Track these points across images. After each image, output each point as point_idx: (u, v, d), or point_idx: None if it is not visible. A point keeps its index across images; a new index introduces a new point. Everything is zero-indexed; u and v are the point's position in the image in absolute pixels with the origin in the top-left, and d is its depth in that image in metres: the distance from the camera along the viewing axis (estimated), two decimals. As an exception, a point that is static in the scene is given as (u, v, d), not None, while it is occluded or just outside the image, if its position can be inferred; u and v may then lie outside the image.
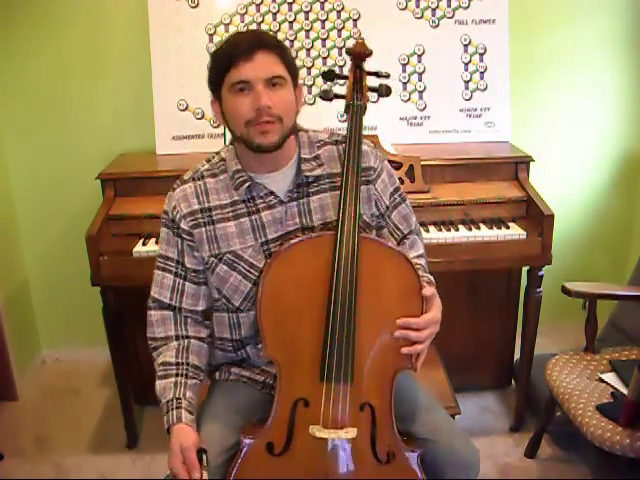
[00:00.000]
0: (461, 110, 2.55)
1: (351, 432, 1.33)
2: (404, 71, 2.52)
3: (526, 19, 2.62)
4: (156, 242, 2.16)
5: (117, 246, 2.17)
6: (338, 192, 1.40)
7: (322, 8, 2.50)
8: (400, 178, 2.26)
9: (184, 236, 1.46)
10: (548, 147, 2.76)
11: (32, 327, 2.96)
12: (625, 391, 1.82)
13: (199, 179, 1.47)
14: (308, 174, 1.44)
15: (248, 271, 1.45)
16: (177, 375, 1.43)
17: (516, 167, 2.35)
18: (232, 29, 2.48)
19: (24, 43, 2.58)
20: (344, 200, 1.36)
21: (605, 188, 2.88)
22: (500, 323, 2.56)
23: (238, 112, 1.34)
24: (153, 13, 2.45)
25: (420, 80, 2.53)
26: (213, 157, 1.50)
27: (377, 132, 2.42)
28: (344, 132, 1.46)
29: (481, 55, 2.53)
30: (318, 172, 1.45)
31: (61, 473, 2.32)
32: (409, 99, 2.54)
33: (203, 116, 2.50)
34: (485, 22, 2.51)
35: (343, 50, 2.51)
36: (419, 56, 2.52)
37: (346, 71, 1.52)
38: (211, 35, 2.48)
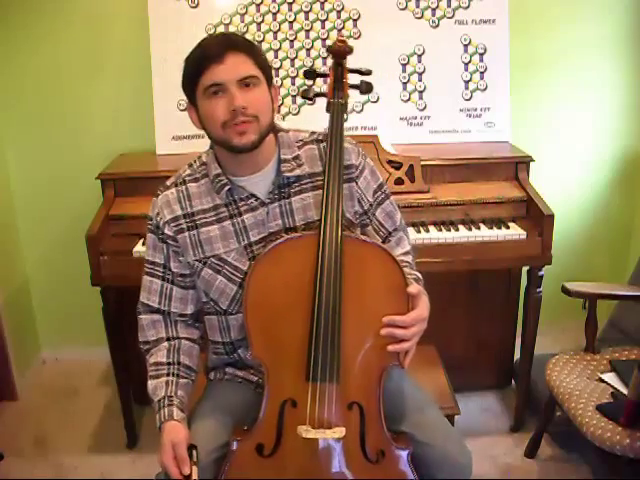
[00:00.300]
0: (461, 110, 2.55)
1: (339, 432, 1.32)
2: (404, 71, 2.52)
3: (526, 19, 2.62)
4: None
5: (117, 246, 2.17)
6: (320, 192, 1.41)
7: (322, 8, 2.50)
8: (400, 178, 2.27)
9: (169, 242, 1.46)
10: (548, 147, 2.76)
11: (32, 327, 2.96)
12: (625, 391, 1.82)
13: (181, 184, 1.47)
14: (288, 174, 1.44)
15: (233, 274, 1.46)
16: (169, 374, 1.44)
17: (516, 167, 2.35)
18: (232, 29, 2.48)
19: (24, 43, 2.58)
20: (326, 199, 1.36)
21: (605, 188, 2.88)
22: (500, 323, 2.56)
23: (214, 115, 1.34)
24: (153, 13, 2.45)
25: (420, 80, 2.53)
26: (195, 161, 1.51)
27: (377, 132, 2.42)
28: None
29: (481, 55, 2.53)
30: (298, 172, 1.45)
31: (61, 473, 2.32)
32: (409, 99, 2.54)
33: (203, 116, 2.50)
34: (485, 22, 2.52)
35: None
36: (419, 56, 2.52)
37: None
38: (211, 35, 2.48)
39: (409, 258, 1.57)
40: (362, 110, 2.50)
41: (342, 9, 2.50)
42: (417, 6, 2.50)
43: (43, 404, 2.72)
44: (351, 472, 1.36)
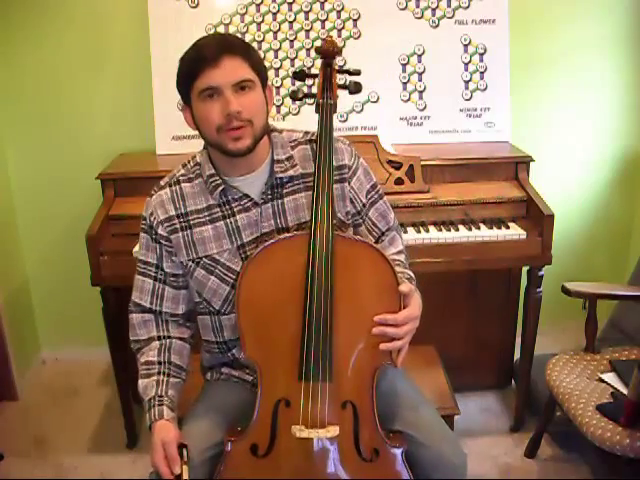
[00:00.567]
0: (461, 110, 2.55)
1: (333, 431, 1.33)
2: (404, 71, 2.52)
3: (526, 19, 2.62)
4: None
5: (117, 246, 2.17)
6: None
7: (322, 8, 2.50)
8: (400, 178, 2.27)
9: (162, 242, 1.47)
10: (548, 147, 2.76)
11: (32, 327, 2.96)
12: (625, 391, 1.82)
13: (175, 184, 1.47)
14: (281, 175, 1.44)
15: (225, 274, 1.46)
16: (159, 373, 1.44)
17: (516, 167, 2.35)
18: (232, 29, 2.48)
19: (24, 43, 2.58)
20: (317, 200, 1.36)
21: (605, 188, 2.88)
22: (500, 323, 2.56)
23: (208, 119, 1.34)
24: (153, 13, 2.45)
25: (420, 80, 2.53)
26: (189, 162, 1.51)
27: (377, 132, 2.42)
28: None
29: (481, 55, 2.53)
30: (291, 173, 1.45)
31: (61, 473, 2.32)
32: (409, 99, 2.54)
33: (203, 116, 2.50)
34: (485, 22, 2.52)
35: (343, 50, 2.49)
36: (419, 56, 2.52)
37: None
38: (211, 35, 2.48)
39: (402, 257, 1.57)
40: (362, 110, 2.51)
41: (342, 9, 2.50)
42: (417, 6, 2.50)
43: (43, 404, 2.72)
44: (346, 471, 1.36)
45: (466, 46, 2.52)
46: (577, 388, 1.91)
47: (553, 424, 2.23)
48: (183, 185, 1.47)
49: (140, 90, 2.54)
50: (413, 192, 2.25)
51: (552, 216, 2.17)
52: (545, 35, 2.66)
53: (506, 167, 2.36)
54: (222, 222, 1.45)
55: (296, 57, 2.51)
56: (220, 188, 1.43)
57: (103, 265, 2.12)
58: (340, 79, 1.48)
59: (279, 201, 1.46)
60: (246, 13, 2.49)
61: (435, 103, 2.54)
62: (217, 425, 1.44)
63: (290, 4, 2.49)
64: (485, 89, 2.54)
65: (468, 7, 2.51)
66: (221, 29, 2.48)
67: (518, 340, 2.44)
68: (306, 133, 1.52)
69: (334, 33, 2.51)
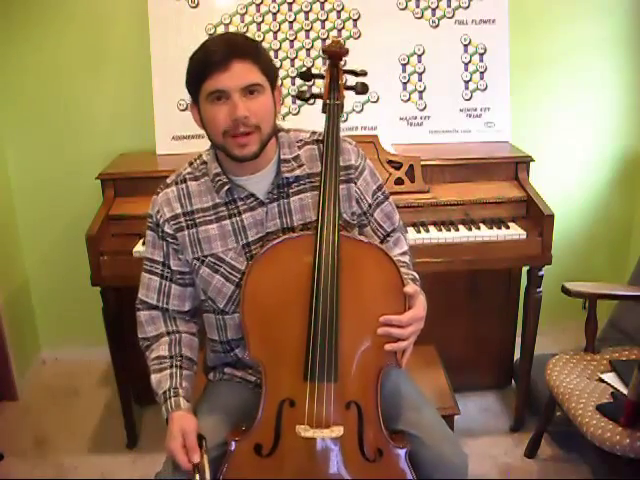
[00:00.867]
0: (461, 110, 2.55)
1: (337, 431, 1.33)
2: (404, 71, 2.52)
3: (526, 19, 2.62)
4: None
5: (117, 246, 2.17)
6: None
7: (322, 8, 2.50)
8: (400, 178, 2.27)
9: (168, 239, 1.47)
10: (548, 147, 2.77)
11: (32, 327, 2.96)
12: (625, 391, 1.82)
13: (181, 182, 1.47)
14: (287, 175, 1.45)
15: (230, 273, 1.46)
16: (172, 367, 1.45)
17: (516, 167, 2.35)
18: (232, 29, 2.48)
19: (24, 43, 2.58)
20: (323, 200, 1.36)
21: (605, 188, 2.88)
22: (500, 323, 2.56)
23: (215, 122, 1.34)
24: (153, 13, 2.45)
25: (420, 80, 2.53)
26: (195, 160, 1.51)
27: (377, 132, 2.42)
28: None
29: (481, 55, 2.53)
30: (297, 172, 1.46)
31: (61, 473, 2.32)
32: (409, 99, 2.54)
33: (203, 116, 2.50)
34: (485, 22, 2.52)
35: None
36: (419, 56, 2.52)
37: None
38: (211, 35, 2.48)
39: (406, 258, 1.57)
40: (362, 110, 2.50)
41: (342, 9, 2.50)
42: (417, 6, 2.50)
43: (43, 404, 2.72)
44: (349, 471, 1.36)
45: (466, 46, 2.52)
46: (577, 388, 1.91)
47: (553, 424, 2.23)
48: (189, 183, 1.47)
49: (140, 90, 2.54)
50: (413, 192, 2.25)
51: (552, 216, 2.17)
52: (545, 35, 2.66)
53: (506, 167, 2.36)
54: (228, 221, 1.45)
55: (296, 57, 2.51)
56: (226, 187, 1.43)
57: (103, 265, 2.12)
58: (347, 80, 1.47)
59: (285, 200, 1.46)
60: (246, 13, 2.49)
61: (435, 103, 2.54)
62: (221, 425, 1.44)
63: (290, 4, 2.49)
64: (485, 89, 2.54)
65: (468, 7, 2.51)
66: (221, 29, 2.48)
67: (518, 340, 2.44)
68: (313, 133, 1.52)
69: (334, 33, 2.51)
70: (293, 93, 2.49)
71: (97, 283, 2.16)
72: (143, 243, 2.16)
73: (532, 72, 2.69)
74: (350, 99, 2.44)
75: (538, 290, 2.26)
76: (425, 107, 2.55)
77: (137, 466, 2.33)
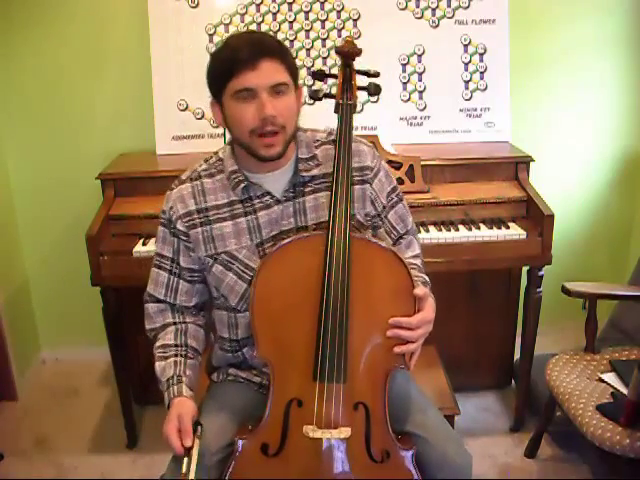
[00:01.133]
0: (461, 110, 2.55)
1: (345, 432, 1.33)
2: (404, 71, 2.52)
3: (526, 19, 2.62)
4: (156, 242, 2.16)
5: (117, 246, 2.17)
6: None
7: (322, 8, 2.50)
8: (400, 178, 2.27)
9: (180, 237, 1.47)
10: (548, 147, 2.76)
11: (32, 327, 2.96)
12: (625, 391, 1.82)
13: (196, 179, 1.47)
14: (305, 174, 1.45)
15: (243, 272, 1.46)
16: (177, 355, 1.45)
17: (516, 167, 2.35)
18: (232, 29, 2.48)
19: (24, 43, 2.58)
20: (334, 200, 1.36)
21: (605, 188, 2.88)
22: (500, 323, 2.56)
23: (242, 120, 1.34)
24: (153, 13, 2.45)
25: (420, 80, 2.53)
26: (211, 157, 1.51)
27: (377, 132, 2.42)
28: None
29: (481, 55, 2.53)
30: (315, 172, 1.46)
31: (61, 473, 2.32)
32: (409, 99, 2.54)
33: (203, 116, 2.50)
34: (485, 22, 2.52)
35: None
36: (419, 56, 2.52)
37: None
38: (211, 35, 2.48)
39: (418, 261, 1.57)
40: (362, 110, 2.50)
41: (342, 9, 2.50)
42: (417, 6, 2.50)
43: (43, 404, 2.72)
44: (356, 472, 1.36)
45: (466, 46, 2.52)
46: (577, 388, 1.91)
47: (553, 424, 2.23)
48: (204, 180, 1.47)
49: (140, 90, 2.54)
50: (413, 192, 2.25)
51: (552, 216, 2.17)
52: (545, 35, 2.66)
53: (506, 167, 2.36)
54: (243, 219, 1.45)
55: (296, 57, 2.51)
56: (243, 184, 1.43)
57: (103, 265, 2.12)
58: (360, 81, 1.47)
59: (300, 199, 1.46)
60: (246, 13, 2.49)
61: (435, 103, 2.54)
62: (228, 426, 1.43)
63: (290, 4, 2.49)
64: (485, 89, 2.54)
65: (468, 7, 2.51)
66: (221, 29, 2.48)
67: (518, 340, 2.44)
68: (329, 133, 1.52)
69: (334, 33, 2.51)
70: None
71: (97, 283, 2.16)
72: (143, 243, 2.16)
73: (532, 72, 2.68)
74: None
75: (538, 290, 2.26)
76: (425, 107, 2.55)
77: (137, 466, 2.33)
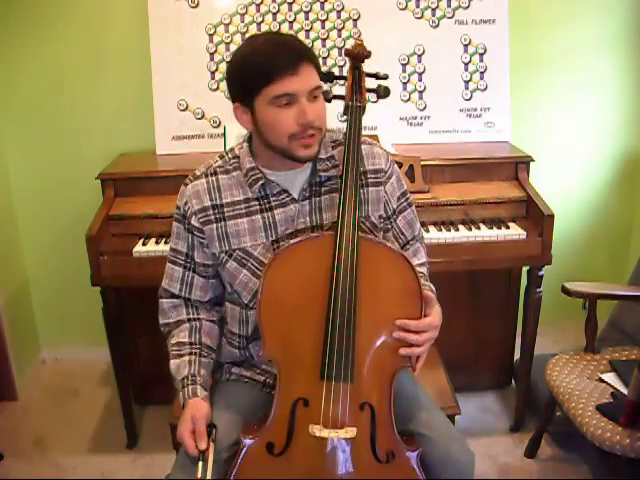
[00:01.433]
0: (461, 110, 2.55)
1: (351, 432, 1.32)
2: (404, 71, 2.52)
3: (526, 19, 2.62)
4: (156, 242, 2.17)
5: (117, 246, 2.17)
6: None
7: (322, 8, 2.50)
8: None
9: (195, 232, 1.47)
10: (548, 147, 2.77)
11: (32, 327, 2.96)
12: (625, 391, 1.82)
13: (212, 175, 1.47)
14: (323, 174, 1.46)
15: (257, 269, 1.46)
16: (191, 354, 1.46)
17: (516, 167, 2.35)
18: (232, 29, 2.48)
19: (24, 43, 2.58)
20: (343, 201, 1.37)
21: (605, 188, 2.88)
22: (500, 323, 2.56)
23: (282, 126, 1.33)
24: (153, 13, 2.45)
25: (420, 80, 2.53)
26: (227, 153, 1.51)
27: (377, 132, 2.42)
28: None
29: (481, 55, 2.53)
30: (333, 172, 1.47)
31: (61, 473, 2.32)
32: (409, 99, 2.55)
33: (203, 116, 2.50)
34: (485, 22, 2.52)
35: (343, 50, 2.51)
36: (419, 56, 2.52)
37: (346, 72, 1.52)
38: (211, 35, 2.48)
39: (424, 269, 1.59)
40: (362, 110, 2.50)
41: (342, 9, 2.50)
42: (417, 6, 2.50)
43: (43, 404, 2.72)
44: (361, 472, 1.36)
45: (466, 46, 2.52)
46: (577, 388, 1.91)
47: (553, 424, 2.23)
48: (220, 176, 1.47)
49: (140, 90, 2.54)
50: (413, 192, 2.23)
51: (552, 216, 2.17)
52: (545, 35, 2.66)
53: (506, 167, 2.36)
54: (259, 215, 1.45)
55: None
56: (260, 182, 1.43)
57: (103, 265, 2.12)
58: (370, 83, 1.47)
59: (317, 199, 1.47)
60: (246, 13, 2.49)
61: (435, 103, 2.54)
62: (233, 425, 1.43)
63: (290, 4, 2.49)
64: (485, 89, 2.54)
65: (468, 7, 2.51)
66: (221, 29, 2.48)
67: (518, 340, 2.44)
68: (345, 136, 1.52)
69: (334, 33, 2.51)
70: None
71: (97, 283, 2.16)
72: (143, 243, 2.16)
73: (532, 72, 2.69)
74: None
75: (538, 290, 2.26)
76: (425, 107, 2.55)
77: (137, 466, 2.33)
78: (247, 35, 2.47)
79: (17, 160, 2.73)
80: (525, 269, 2.33)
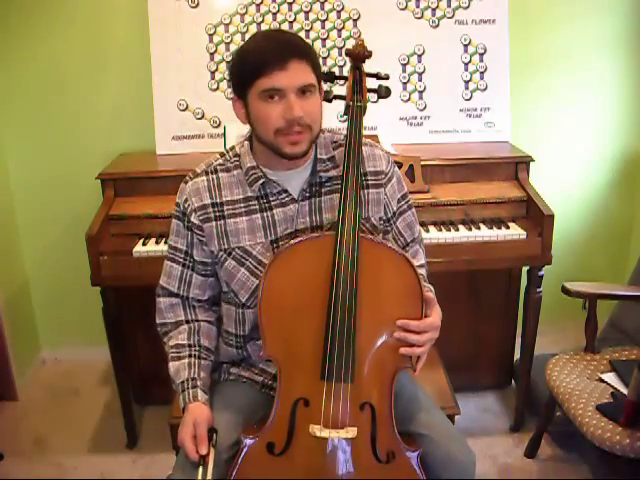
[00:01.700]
0: (461, 110, 2.55)
1: (351, 432, 1.33)
2: (404, 71, 2.52)
3: (526, 19, 2.62)
4: (156, 242, 2.16)
5: (117, 246, 2.17)
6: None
7: (322, 8, 2.50)
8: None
9: (194, 230, 1.47)
10: (548, 147, 2.77)
11: (32, 327, 2.96)
12: (625, 391, 1.82)
13: (212, 173, 1.47)
14: (323, 175, 1.46)
15: (256, 268, 1.46)
16: (190, 356, 1.46)
17: (516, 167, 2.35)
18: (232, 29, 2.48)
19: (24, 43, 2.58)
20: (344, 201, 1.37)
21: (605, 188, 2.88)
22: (500, 323, 2.56)
23: (268, 120, 1.34)
24: (153, 13, 2.45)
25: (420, 80, 2.53)
26: (227, 152, 1.51)
27: (377, 132, 2.42)
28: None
29: (481, 55, 2.53)
30: (334, 173, 1.47)
31: (61, 473, 2.32)
32: (409, 99, 2.54)
33: (203, 116, 2.50)
34: (485, 22, 2.52)
35: (343, 50, 2.51)
36: (419, 56, 2.52)
37: (346, 72, 1.52)
38: (211, 35, 2.48)
39: (423, 271, 1.59)
40: (362, 110, 2.50)
41: (342, 9, 2.50)
42: (417, 6, 2.50)
43: (43, 404, 2.72)
44: (361, 472, 1.36)
45: (466, 46, 2.52)
46: (577, 388, 1.91)
47: (553, 424, 2.23)
48: (220, 175, 1.47)
49: (140, 90, 2.54)
50: (413, 192, 2.25)
51: (552, 216, 2.17)
52: (545, 35, 2.66)
53: (506, 167, 2.36)
54: (259, 215, 1.45)
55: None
56: (260, 181, 1.43)
57: (103, 265, 2.12)
58: (371, 83, 1.47)
59: (317, 199, 1.47)
60: (246, 13, 2.49)
61: (435, 103, 2.54)
62: (233, 425, 1.43)
63: (290, 4, 2.49)
64: (485, 89, 2.54)
65: (468, 7, 2.51)
66: (221, 29, 2.48)
67: (518, 340, 2.44)
68: (346, 136, 1.52)
69: (334, 33, 2.51)
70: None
71: (97, 283, 2.16)
72: (143, 243, 2.16)
73: (532, 72, 2.69)
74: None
75: (538, 290, 2.26)
76: (425, 107, 2.55)
77: (137, 466, 2.33)
78: (247, 35, 2.48)
79: (17, 160, 2.73)
80: (525, 269, 2.33)
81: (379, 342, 1.36)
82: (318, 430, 1.32)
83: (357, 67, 1.47)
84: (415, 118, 2.55)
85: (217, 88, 2.49)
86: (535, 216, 2.23)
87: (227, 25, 2.49)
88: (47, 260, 2.86)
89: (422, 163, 2.28)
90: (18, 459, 2.37)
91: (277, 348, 1.37)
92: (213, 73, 2.48)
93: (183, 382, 1.43)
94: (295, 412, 1.35)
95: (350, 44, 2.47)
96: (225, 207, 1.45)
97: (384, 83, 1.48)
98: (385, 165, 1.52)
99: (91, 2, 2.57)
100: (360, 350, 1.34)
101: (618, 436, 1.69)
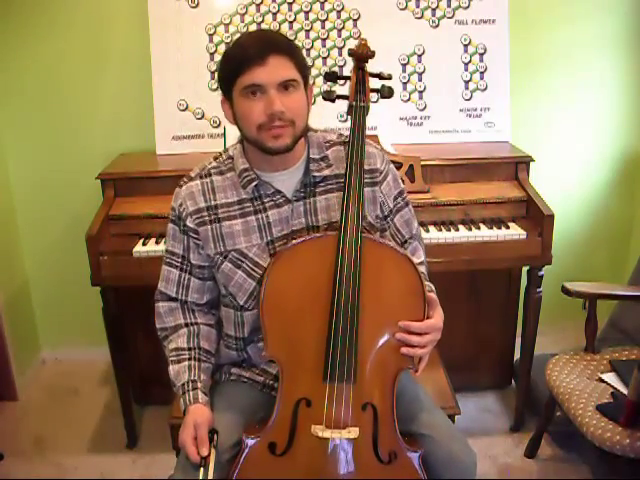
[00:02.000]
0: (461, 110, 2.55)
1: (353, 432, 1.33)
2: (404, 71, 2.52)
3: (526, 19, 2.62)
4: (156, 242, 2.16)
5: (117, 246, 2.17)
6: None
7: (322, 8, 2.50)
8: (400, 178, 2.26)
9: (190, 234, 1.47)
10: (548, 147, 2.77)
11: (32, 327, 2.96)
12: (625, 391, 1.82)
13: (206, 176, 1.47)
14: (316, 174, 1.45)
15: (252, 269, 1.46)
16: (190, 359, 1.46)
17: (516, 167, 2.35)
18: (232, 29, 2.48)
19: (24, 43, 2.58)
20: (347, 201, 1.37)
21: (605, 188, 2.88)
22: (500, 323, 2.56)
23: (250, 116, 1.34)
24: (153, 13, 2.45)
25: (420, 80, 2.53)
26: (221, 154, 1.51)
27: (377, 132, 2.42)
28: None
29: (481, 55, 2.53)
30: (327, 172, 1.46)
31: (61, 473, 2.32)
32: (409, 99, 2.54)
33: (203, 116, 2.50)
34: (485, 22, 2.52)
35: (343, 50, 2.51)
36: (419, 56, 2.52)
37: (347, 71, 1.52)
38: (211, 35, 2.48)
39: (422, 268, 1.58)
40: (362, 110, 2.50)
41: (342, 9, 2.50)
42: (417, 6, 2.50)
43: (43, 404, 2.72)
44: (363, 473, 1.36)
45: (466, 46, 2.52)
46: (577, 388, 1.91)
47: (553, 424, 2.23)
48: (214, 178, 1.47)
49: (140, 90, 2.54)
50: (413, 192, 2.25)
51: (552, 216, 2.17)
52: (545, 35, 2.66)
53: (506, 167, 2.36)
54: (253, 217, 1.45)
55: (296, 57, 2.51)
56: (254, 183, 1.43)
57: (103, 265, 2.12)
58: (374, 83, 1.47)
59: (311, 199, 1.46)
60: (246, 13, 2.49)
61: (435, 103, 2.54)
62: (234, 427, 1.43)
63: (290, 4, 2.49)
64: (485, 89, 2.54)
65: (468, 7, 2.51)
66: (221, 29, 2.48)
67: (518, 340, 2.44)
68: (340, 135, 1.53)
69: (334, 33, 2.51)
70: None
71: (97, 283, 2.16)
72: (143, 243, 2.16)
73: (532, 72, 2.69)
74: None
75: (538, 290, 2.26)
76: (425, 107, 2.55)
77: (137, 466, 2.33)
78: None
79: (17, 160, 2.73)
80: (525, 269, 2.33)
81: (381, 342, 1.36)
82: (320, 430, 1.32)
83: (360, 67, 1.47)
84: (415, 118, 2.55)
85: (217, 88, 2.47)
86: (535, 216, 2.23)
87: (227, 25, 2.49)
88: (47, 260, 2.86)
89: (422, 163, 2.28)
90: (18, 459, 2.37)
91: (279, 348, 1.37)
92: (213, 73, 2.48)
93: (184, 385, 1.42)
94: (297, 412, 1.35)
95: (352, 44, 2.47)
96: (220, 210, 1.45)
97: (387, 83, 1.48)
98: (380, 163, 1.51)
99: (91, 2, 2.57)
100: (362, 350, 1.34)
101: (618, 436, 1.69)
